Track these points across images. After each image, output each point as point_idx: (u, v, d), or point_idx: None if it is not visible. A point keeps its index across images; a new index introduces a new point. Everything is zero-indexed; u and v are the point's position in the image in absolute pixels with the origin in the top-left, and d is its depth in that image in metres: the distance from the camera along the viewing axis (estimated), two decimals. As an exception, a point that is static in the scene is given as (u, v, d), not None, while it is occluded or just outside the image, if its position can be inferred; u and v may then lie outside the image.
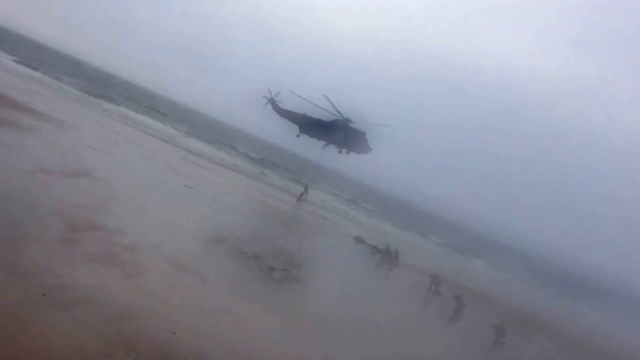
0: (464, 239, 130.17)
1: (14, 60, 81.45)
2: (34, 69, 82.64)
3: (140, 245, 18.59)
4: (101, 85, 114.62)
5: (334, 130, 48.09)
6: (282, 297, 21.11)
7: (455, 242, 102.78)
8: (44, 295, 12.23)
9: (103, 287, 13.96)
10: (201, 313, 15.35)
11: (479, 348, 28.19)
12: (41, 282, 12.73)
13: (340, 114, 46.51)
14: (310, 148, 51.24)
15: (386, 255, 41.87)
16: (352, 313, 22.78)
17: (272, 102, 47.89)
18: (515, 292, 61.23)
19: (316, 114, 47.74)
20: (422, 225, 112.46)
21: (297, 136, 49.52)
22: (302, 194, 59.42)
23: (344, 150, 48.79)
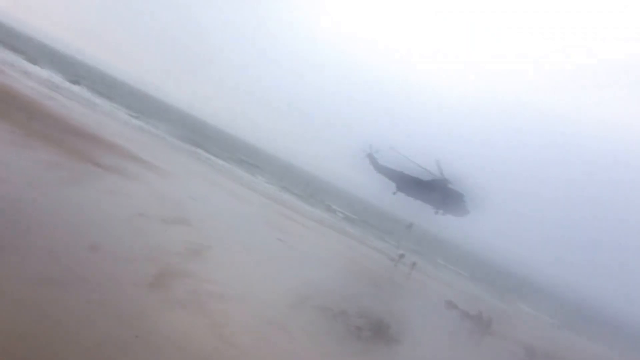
0: (566, 311, 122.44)
1: (127, 113, 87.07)
2: (135, 117, 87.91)
3: (229, 295, 18.58)
4: (198, 134, 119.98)
5: (432, 190, 46.95)
6: (368, 358, 20.25)
7: (554, 313, 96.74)
8: (136, 337, 12.33)
9: (190, 333, 13.93)
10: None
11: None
12: (134, 324, 12.87)
13: (439, 174, 45.59)
14: (407, 207, 50.42)
15: (478, 322, 39.78)
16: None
17: (371, 158, 47.57)
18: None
19: (414, 172, 47.07)
20: (520, 293, 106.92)
21: (394, 194, 48.78)
22: (400, 257, 57.97)
23: (441, 212, 47.48)
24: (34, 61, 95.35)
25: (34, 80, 60.69)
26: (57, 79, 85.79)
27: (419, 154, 44.67)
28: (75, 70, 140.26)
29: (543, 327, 65.47)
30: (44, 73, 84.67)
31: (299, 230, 46.16)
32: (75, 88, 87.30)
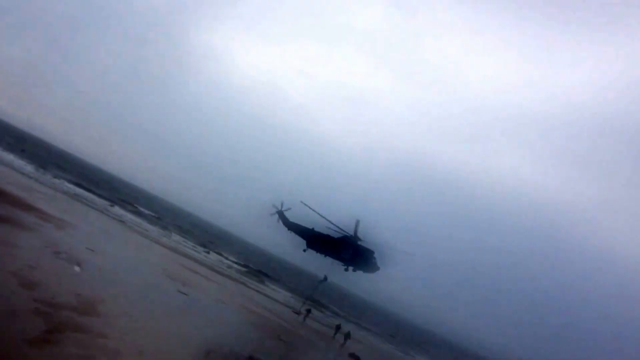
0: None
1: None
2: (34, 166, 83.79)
3: (125, 351, 17.48)
4: (94, 183, 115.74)
5: (342, 247, 47.02)
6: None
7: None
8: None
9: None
10: None
11: None
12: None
13: (350, 231, 45.83)
14: (316, 263, 50.06)
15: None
16: None
17: (281, 214, 47.28)
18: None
19: (324, 229, 46.99)
20: (424, 347, 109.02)
21: (304, 251, 48.46)
22: (307, 312, 57.22)
23: (351, 268, 47.53)
24: None
25: None
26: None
27: (330, 210, 44.73)
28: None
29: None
30: None
31: (201, 282, 44.83)
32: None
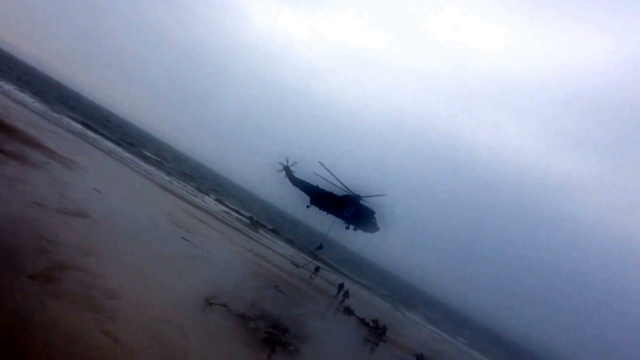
0: (450, 318, 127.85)
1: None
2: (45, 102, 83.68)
3: (124, 292, 17.63)
4: (103, 126, 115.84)
5: (345, 205, 47.45)
6: (259, 357, 19.86)
7: (440, 320, 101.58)
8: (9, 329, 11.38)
9: (73, 327, 13.05)
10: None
11: None
12: (12, 316, 11.89)
13: (352, 190, 46.18)
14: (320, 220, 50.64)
15: (374, 330, 40.42)
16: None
17: (287, 170, 47.54)
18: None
19: (329, 187, 47.35)
20: (415, 305, 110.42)
21: (307, 207, 48.93)
22: (316, 270, 57.74)
23: (352, 227, 48.04)
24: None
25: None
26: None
27: (337, 170, 44.88)
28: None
29: (433, 338, 67.54)
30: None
31: (204, 230, 45.14)
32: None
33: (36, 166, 29.98)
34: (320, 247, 54.01)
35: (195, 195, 79.26)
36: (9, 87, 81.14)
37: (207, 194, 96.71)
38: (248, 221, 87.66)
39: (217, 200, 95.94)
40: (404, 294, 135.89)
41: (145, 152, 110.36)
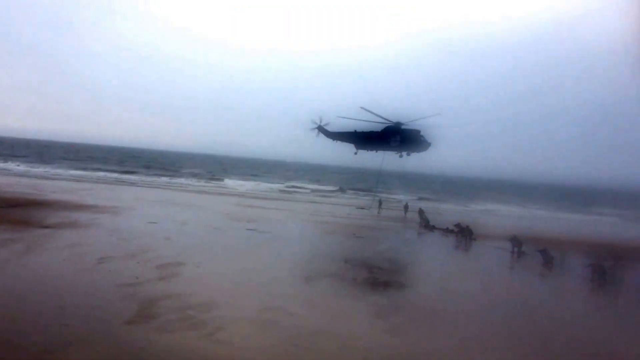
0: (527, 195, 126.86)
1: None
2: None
3: (218, 299, 17.38)
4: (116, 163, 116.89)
5: (389, 136, 46.83)
6: (377, 301, 19.35)
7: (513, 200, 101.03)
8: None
9: (187, 349, 12.90)
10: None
11: (586, 289, 26.35)
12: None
13: (388, 120, 45.49)
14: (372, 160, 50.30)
15: (461, 234, 39.98)
16: (455, 298, 21.11)
17: (321, 129, 46.90)
18: (595, 229, 57.69)
19: (366, 127, 46.77)
20: (484, 197, 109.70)
21: (355, 154, 48.45)
22: (379, 204, 58.28)
23: (404, 154, 47.55)
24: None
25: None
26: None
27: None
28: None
29: (516, 218, 66.97)
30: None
31: (261, 214, 45.11)
32: None
33: (87, 226, 30.21)
34: (380, 203, 56.26)
35: (236, 188, 79.58)
36: (19, 167, 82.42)
37: (247, 180, 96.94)
38: (292, 189, 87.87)
39: (257, 181, 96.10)
40: (473, 191, 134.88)
41: (169, 170, 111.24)
